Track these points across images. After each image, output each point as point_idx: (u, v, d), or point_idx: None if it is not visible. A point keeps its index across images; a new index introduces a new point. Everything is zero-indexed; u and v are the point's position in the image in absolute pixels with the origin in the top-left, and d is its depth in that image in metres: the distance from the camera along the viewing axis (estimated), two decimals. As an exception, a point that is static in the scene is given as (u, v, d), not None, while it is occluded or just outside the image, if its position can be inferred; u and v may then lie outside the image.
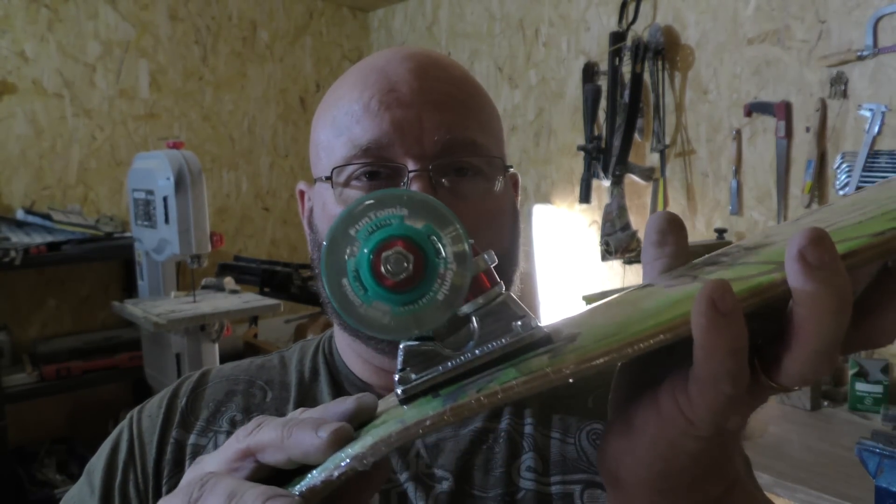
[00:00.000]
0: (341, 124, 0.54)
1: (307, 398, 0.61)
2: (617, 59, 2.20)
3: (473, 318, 0.30)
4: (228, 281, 2.23)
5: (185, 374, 2.08)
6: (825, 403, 1.64)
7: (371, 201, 0.29)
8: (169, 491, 0.56)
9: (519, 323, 0.30)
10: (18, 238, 2.21)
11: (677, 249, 0.33)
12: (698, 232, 2.15)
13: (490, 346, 0.30)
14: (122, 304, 2.12)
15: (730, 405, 0.26)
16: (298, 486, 0.28)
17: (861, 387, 1.61)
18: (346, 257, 0.28)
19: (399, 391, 0.30)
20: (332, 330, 0.66)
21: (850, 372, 1.63)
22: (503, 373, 0.28)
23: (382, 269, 0.28)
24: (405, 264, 0.28)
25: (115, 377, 2.42)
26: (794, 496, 1.29)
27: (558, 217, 2.53)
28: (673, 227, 0.33)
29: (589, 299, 2.08)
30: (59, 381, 2.26)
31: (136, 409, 0.62)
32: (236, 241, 2.98)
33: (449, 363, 0.30)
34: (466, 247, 0.29)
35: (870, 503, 1.20)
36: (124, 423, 0.61)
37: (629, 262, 2.10)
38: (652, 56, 2.15)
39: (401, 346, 0.30)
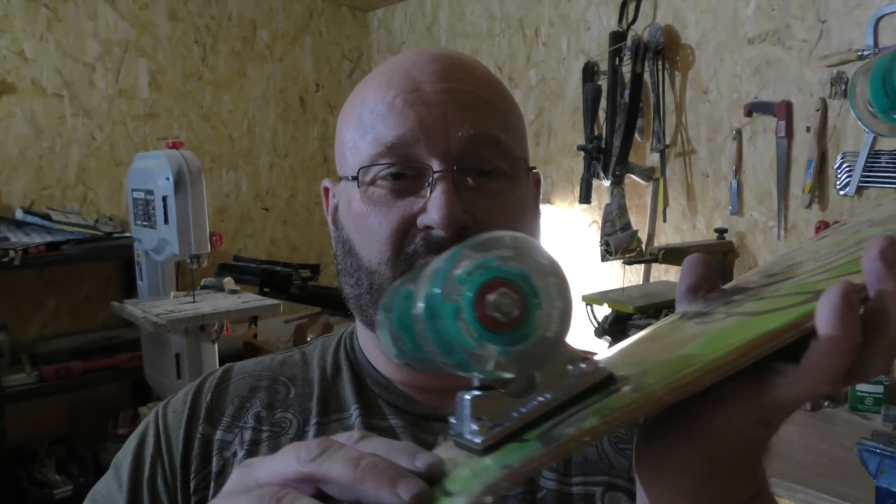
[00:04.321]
0: (367, 123, 0.55)
1: (330, 395, 0.62)
2: (617, 59, 2.20)
3: None
4: (228, 281, 2.23)
5: (184, 374, 2.07)
6: (826, 404, 1.64)
7: (470, 246, 0.29)
8: (199, 485, 0.57)
9: (582, 364, 0.31)
10: (18, 238, 2.21)
11: (708, 294, 0.37)
12: (699, 232, 2.15)
13: (560, 388, 0.30)
14: (121, 304, 2.12)
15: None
16: None
17: (861, 387, 1.61)
18: (449, 302, 0.28)
19: (479, 440, 0.29)
20: (353, 326, 0.66)
21: (851, 372, 1.62)
22: (590, 410, 0.29)
23: (489, 311, 0.28)
24: (513, 306, 0.28)
25: (114, 377, 2.42)
26: (794, 496, 1.29)
27: (558, 217, 2.53)
28: (708, 274, 0.37)
29: (588, 300, 2.08)
30: (58, 382, 2.26)
31: (160, 405, 0.64)
32: (236, 241, 2.98)
33: (523, 409, 0.30)
34: (565, 282, 0.29)
35: (870, 503, 1.20)
36: (150, 419, 0.62)
37: (629, 262, 2.09)
38: (652, 56, 2.15)
39: (465, 397, 0.30)
